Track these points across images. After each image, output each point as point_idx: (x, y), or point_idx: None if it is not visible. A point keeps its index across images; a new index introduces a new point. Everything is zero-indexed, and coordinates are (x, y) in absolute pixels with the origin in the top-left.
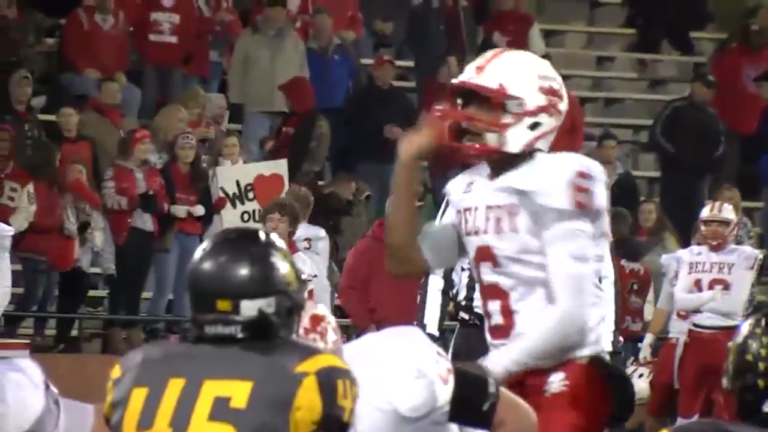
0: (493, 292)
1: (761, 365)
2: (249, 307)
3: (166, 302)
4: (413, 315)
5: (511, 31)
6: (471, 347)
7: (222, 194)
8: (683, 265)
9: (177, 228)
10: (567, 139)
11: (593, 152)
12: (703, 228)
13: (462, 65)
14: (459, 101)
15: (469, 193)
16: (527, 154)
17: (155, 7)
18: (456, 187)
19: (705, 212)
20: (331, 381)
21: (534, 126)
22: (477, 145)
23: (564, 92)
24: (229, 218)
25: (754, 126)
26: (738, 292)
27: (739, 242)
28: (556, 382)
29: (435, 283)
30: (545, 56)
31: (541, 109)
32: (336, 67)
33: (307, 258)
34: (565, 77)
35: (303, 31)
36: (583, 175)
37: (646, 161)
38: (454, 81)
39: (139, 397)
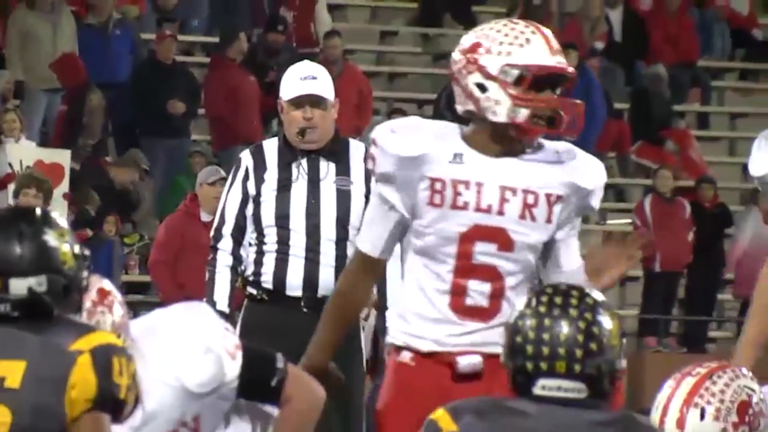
0: (486, 273)
1: (529, 348)
2: (18, 286)
3: None
4: None
5: (297, 6)
6: (259, 322)
7: (10, 170)
8: None
9: None
10: (356, 114)
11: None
12: None
13: (250, 41)
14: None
15: (461, 164)
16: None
17: None
18: (432, 154)
19: None
20: (106, 358)
21: None
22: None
23: None
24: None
25: None
26: None
27: None
28: None
29: (223, 260)
30: (331, 32)
31: None
32: (117, 42)
33: None
34: (349, 52)
35: (83, 6)
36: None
37: None
38: (571, 70)
39: None
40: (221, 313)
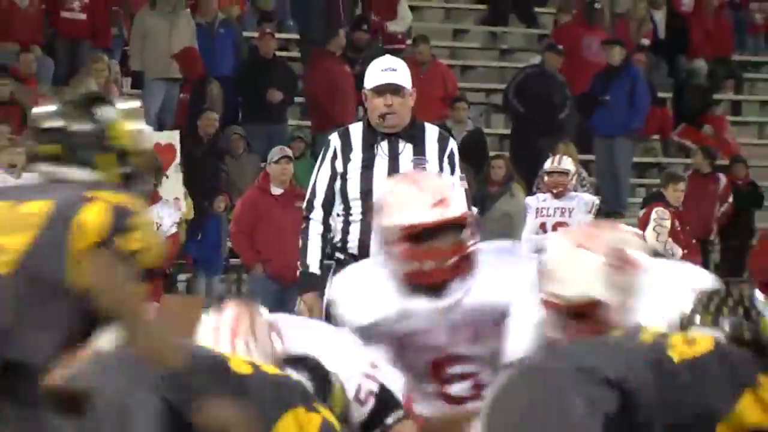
0: (461, 377)
1: None
2: None
3: None
4: (294, 256)
5: (380, 5)
6: None
7: None
8: (530, 211)
9: None
10: (442, 105)
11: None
12: (546, 178)
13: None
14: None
15: (410, 318)
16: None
17: None
18: (382, 317)
19: (547, 164)
20: None
21: None
22: (451, 266)
23: None
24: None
25: (587, 85)
26: None
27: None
28: None
29: (315, 228)
30: (420, 37)
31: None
32: (221, 40)
33: (168, 208)
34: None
35: (193, 8)
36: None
37: (497, 120)
38: (416, 222)
39: None
40: (313, 276)
